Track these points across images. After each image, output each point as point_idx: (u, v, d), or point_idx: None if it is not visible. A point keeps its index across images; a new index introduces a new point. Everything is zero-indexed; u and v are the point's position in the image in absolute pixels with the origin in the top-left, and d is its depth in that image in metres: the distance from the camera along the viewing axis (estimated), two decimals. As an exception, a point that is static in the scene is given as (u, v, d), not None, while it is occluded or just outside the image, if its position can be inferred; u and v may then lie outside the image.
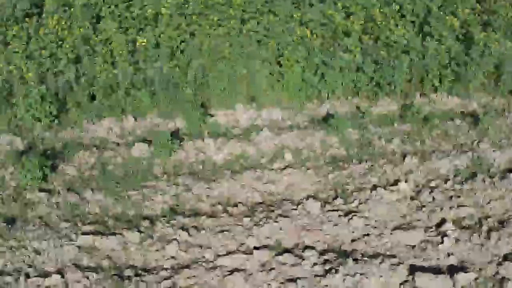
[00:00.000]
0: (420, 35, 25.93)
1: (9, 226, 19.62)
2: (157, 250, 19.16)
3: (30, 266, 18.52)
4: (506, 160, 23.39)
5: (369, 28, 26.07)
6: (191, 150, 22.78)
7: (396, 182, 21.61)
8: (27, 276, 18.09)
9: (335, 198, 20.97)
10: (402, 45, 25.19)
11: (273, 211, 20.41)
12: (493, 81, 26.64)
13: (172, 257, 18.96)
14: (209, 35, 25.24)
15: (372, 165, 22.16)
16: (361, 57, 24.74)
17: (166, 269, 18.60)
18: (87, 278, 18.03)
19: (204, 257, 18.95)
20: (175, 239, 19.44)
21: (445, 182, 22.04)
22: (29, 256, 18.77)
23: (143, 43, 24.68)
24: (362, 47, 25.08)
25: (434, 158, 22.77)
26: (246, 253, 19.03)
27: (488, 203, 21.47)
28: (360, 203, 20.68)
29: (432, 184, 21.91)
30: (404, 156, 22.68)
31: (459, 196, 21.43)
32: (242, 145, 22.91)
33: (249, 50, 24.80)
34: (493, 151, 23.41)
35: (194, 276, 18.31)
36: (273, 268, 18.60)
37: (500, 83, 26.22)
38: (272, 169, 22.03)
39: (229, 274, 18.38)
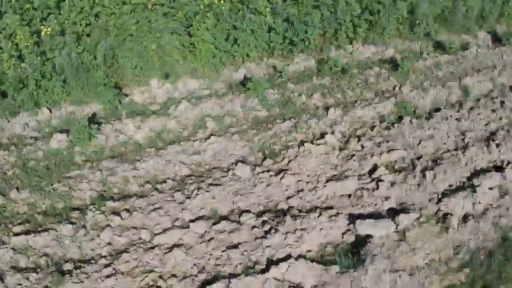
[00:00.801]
0: (330, -12, 25.95)
1: None
2: (92, 239, 18.55)
3: (-34, 277, 17.76)
4: (430, 101, 23.80)
5: (277, -13, 25.93)
6: (111, 133, 22.24)
7: (322, 136, 21.63)
8: (-36, 287, 17.33)
9: (264, 159, 20.84)
10: (312, 0, 25.14)
11: (203, 181, 20.10)
12: (408, 25, 26.97)
13: (108, 244, 18.41)
14: (114, 14, 24.67)
15: (296, 122, 22.12)
16: (271, 17, 24.60)
17: (104, 256, 18.03)
18: (27, 279, 17.26)
19: (140, 238, 18.49)
20: (108, 225, 18.91)
21: (372, 129, 22.25)
22: (-36, 267, 17.99)
23: (48, 32, 24.02)
24: (271, 7, 24.96)
25: (357, 107, 22.95)
26: (183, 227, 18.65)
27: (419, 143, 21.79)
28: (289, 161, 20.59)
29: (359, 132, 22.10)
30: (327, 109, 22.72)
31: (388, 141, 21.63)
32: (162, 121, 22.50)
33: (157, 24, 24.33)
34: (416, 93, 23.72)
35: (133, 259, 17.83)
36: (212, 238, 18.30)
37: (415, 27, 26.53)
38: (196, 140, 21.68)
39: (169, 251, 17.98)
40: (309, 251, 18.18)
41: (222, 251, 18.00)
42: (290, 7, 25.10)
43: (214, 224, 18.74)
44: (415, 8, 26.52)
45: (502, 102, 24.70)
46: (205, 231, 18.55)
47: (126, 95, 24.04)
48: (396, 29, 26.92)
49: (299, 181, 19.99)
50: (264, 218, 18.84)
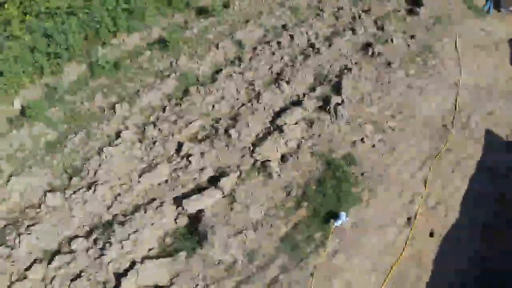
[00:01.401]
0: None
1: None
2: None
3: None
4: (209, 65, 24.15)
5: (28, 6, 24.69)
6: None
7: (118, 134, 21.22)
8: None
9: (70, 179, 20.07)
10: (65, 8, 24.32)
11: (20, 226, 18.95)
12: (166, 1, 26.90)
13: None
14: None
15: (88, 131, 21.46)
16: (30, 38, 23.55)
17: None
18: None
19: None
20: None
21: (164, 111, 22.21)
22: None
23: None
24: (26, 27, 23.84)
25: (142, 95, 22.74)
26: (21, 280, 17.63)
27: (212, 108, 22.07)
28: (95, 172, 20.00)
29: (152, 118, 21.96)
30: (113, 107, 22.27)
31: (182, 116, 21.69)
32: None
33: None
34: (193, 62, 23.97)
35: None
36: (54, 277, 17.56)
37: (173, 0, 26.61)
38: (-3, 187, 20.36)
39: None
40: (151, 249, 17.95)
41: (69, 286, 17.31)
42: (45, 21, 24.06)
43: (49, 262, 17.88)
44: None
45: (278, 43, 25.38)
46: (44, 274, 17.68)
47: None
48: (155, 9, 26.77)
49: (113, 186, 19.50)
50: (94, 236, 18.25)
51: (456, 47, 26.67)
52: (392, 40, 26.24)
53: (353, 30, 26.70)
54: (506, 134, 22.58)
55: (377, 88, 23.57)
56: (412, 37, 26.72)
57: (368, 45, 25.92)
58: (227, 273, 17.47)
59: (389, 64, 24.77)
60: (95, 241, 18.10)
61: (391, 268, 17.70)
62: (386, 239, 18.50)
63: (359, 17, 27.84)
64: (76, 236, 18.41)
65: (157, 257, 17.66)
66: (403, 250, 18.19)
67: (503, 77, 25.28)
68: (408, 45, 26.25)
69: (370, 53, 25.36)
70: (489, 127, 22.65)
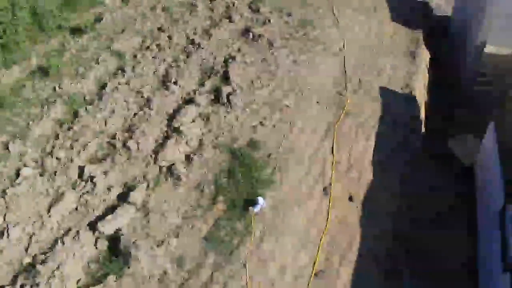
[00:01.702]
0: None
1: None
2: None
3: None
4: (93, 83, 23.83)
5: None
6: None
7: (18, 173, 20.27)
8: None
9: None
10: None
11: None
12: (37, 27, 26.22)
13: None
14: None
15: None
16: None
17: None
18: None
19: None
20: None
21: (57, 138, 21.45)
22: None
23: None
24: None
25: (32, 126, 21.89)
26: None
27: (105, 124, 21.79)
28: (4, 217, 18.85)
29: (48, 149, 21.10)
30: (7, 146, 21.26)
31: (77, 140, 21.08)
32: None
33: None
34: (78, 83, 23.63)
35: None
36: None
37: (44, 25, 26.11)
38: None
39: None
40: (79, 280, 17.40)
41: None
42: None
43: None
44: (36, 8, 25.75)
45: (158, 46, 25.21)
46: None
47: None
48: (29, 37, 26.02)
49: (24, 227, 18.67)
50: (20, 282, 17.34)
51: (334, 14, 27.14)
52: (269, 21, 26.49)
53: (230, 18, 26.83)
54: (400, 87, 23.16)
55: (264, 70, 23.80)
56: (289, 14, 27.01)
57: (247, 30, 26.12)
58: (160, 285, 17.14)
59: (271, 44, 24.99)
60: (22, 287, 17.35)
61: (320, 240, 17.81)
62: (308, 214, 18.65)
63: (233, 4, 27.97)
64: (2, 287, 17.64)
65: (87, 286, 17.16)
66: (327, 220, 18.33)
67: (387, 33, 25.93)
68: (287, 22, 26.54)
69: (250, 37, 25.53)
70: (382, 84, 23.16)
